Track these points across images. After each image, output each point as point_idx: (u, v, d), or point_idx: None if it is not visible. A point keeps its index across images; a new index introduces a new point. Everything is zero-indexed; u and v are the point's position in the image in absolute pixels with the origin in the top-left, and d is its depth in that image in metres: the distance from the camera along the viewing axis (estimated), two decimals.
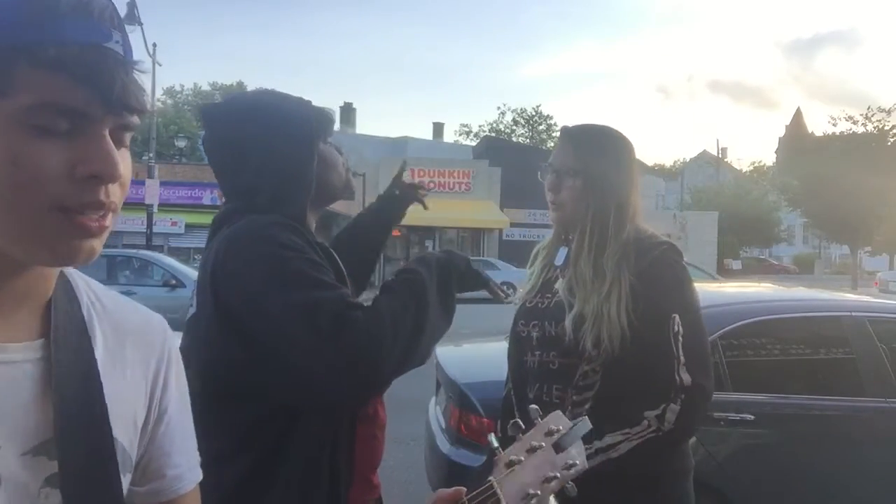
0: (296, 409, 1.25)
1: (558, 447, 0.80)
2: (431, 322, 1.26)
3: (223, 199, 1.48)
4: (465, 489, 0.74)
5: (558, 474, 0.79)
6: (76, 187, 0.63)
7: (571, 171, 1.69)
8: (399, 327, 1.20)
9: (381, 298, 1.26)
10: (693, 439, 3.00)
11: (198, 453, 0.88)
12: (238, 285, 1.22)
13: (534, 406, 0.81)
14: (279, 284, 1.19)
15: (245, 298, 1.22)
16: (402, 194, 1.89)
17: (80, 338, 0.72)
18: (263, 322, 1.19)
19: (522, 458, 0.76)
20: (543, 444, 0.79)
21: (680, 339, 1.55)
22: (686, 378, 1.53)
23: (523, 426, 0.79)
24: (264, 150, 1.35)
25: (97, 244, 0.67)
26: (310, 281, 1.19)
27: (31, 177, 0.61)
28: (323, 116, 1.43)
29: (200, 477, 0.87)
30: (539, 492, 0.77)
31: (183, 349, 1.36)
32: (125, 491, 0.75)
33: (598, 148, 1.70)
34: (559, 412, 0.83)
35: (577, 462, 0.82)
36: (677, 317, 1.56)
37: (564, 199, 1.71)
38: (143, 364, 0.79)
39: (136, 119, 0.66)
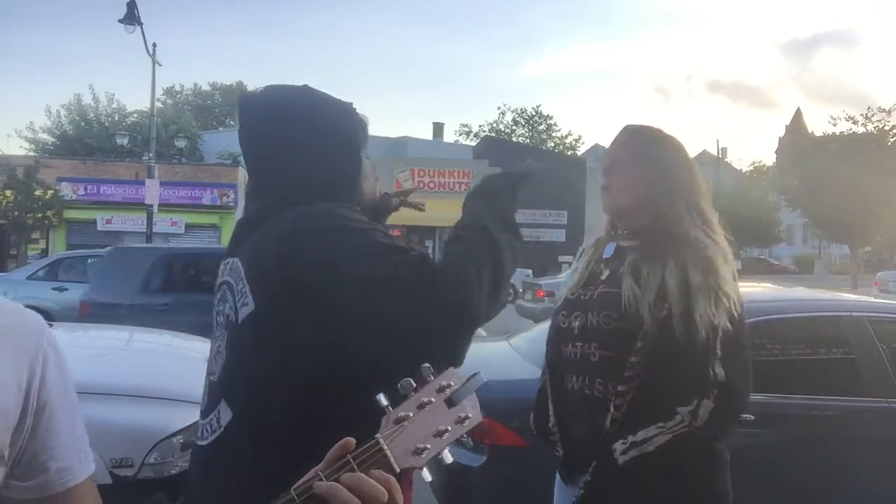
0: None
1: (450, 402, 0.80)
2: (506, 256, 1.26)
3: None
4: (353, 441, 0.74)
5: (450, 427, 0.80)
6: None
7: (629, 158, 1.72)
8: (480, 270, 1.20)
9: (450, 248, 1.26)
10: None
11: (89, 448, 0.89)
12: (327, 262, 1.19)
13: (426, 365, 0.81)
14: (373, 251, 1.19)
15: (339, 271, 1.18)
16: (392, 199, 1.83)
17: None
18: (365, 289, 1.17)
19: (412, 414, 0.77)
20: (434, 399, 0.79)
21: (720, 333, 1.56)
22: (720, 373, 1.55)
23: (414, 384, 0.79)
24: (315, 155, 1.34)
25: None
26: (394, 246, 1.21)
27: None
28: (364, 126, 1.44)
29: (92, 469, 0.88)
30: (429, 445, 0.78)
31: (249, 353, 1.27)
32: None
33: (659, 141, 1.74)
34: (453, 369, 0.83)
35: (471, 415, 0.82)
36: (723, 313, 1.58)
37: (615, 182, 1.73)
38: (14, 362, 0.79)
39: None
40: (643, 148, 1.73)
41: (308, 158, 1.34)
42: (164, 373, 3.74)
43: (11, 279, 11.58)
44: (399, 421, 0.77)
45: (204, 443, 1.32)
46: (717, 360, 1.55)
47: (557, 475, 1.87)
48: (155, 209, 18.52)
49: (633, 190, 1.70)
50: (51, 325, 4.78)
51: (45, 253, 21.78)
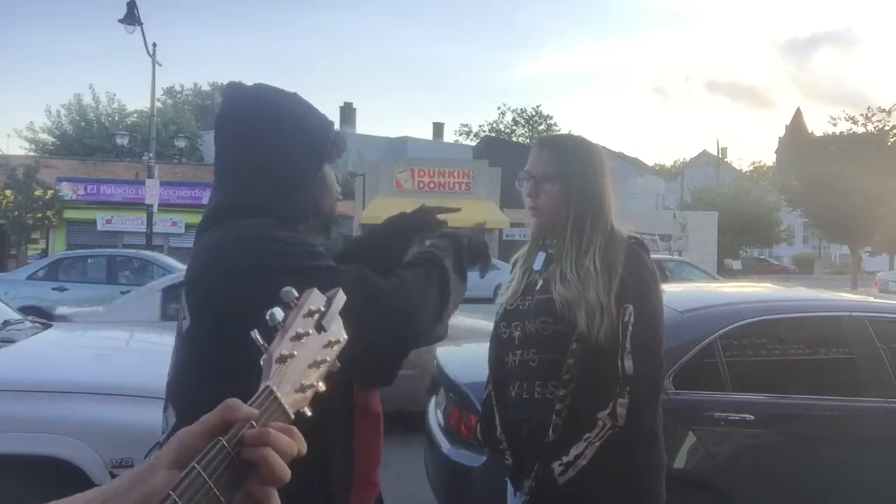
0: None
1: (320, 328, 0.77)
2: (452, 287, 1.34)
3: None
4: (237, 400, 0.66)
5: (327, 357, 0.77)
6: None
7: (550, 176, 1.78)
8: (425, 291, 1.28)
9: (404, 271, 1.31)
10: (695, 439, 3.00)
11: None
12: (249, 282, 1.20)
13: (287, 289, 0.76)
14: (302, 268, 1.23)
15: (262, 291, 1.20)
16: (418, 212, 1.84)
17: None
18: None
19: (295, 353, 0.72)
20: (310, 330, 0.75)
21: (630, 328, 1.63)
22: (629, 366, 1.61)
23: (283, 314, 0.74)
24: (275, 156, 1.34)
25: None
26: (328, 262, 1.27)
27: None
28: (339, 141, 1.44)
29: None
30: (312, 380, 0.74)
31: (184, 362, 1.33)
32: None
33: (573, 154, 1.80)
34: (316, 290, 0.79)
35: (341, 339, 0.80)
36: (631, 307, 1.64)
37: (542, 204, 1.80)
38: None
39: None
40: (558, 163, 1.79)
41: (265, 157, 1.34)
42: (164, 373, 3.74)
43: (11, 279, 11.56)
44: (282, 360, 0.71)
45: (160, 439, 1.42)
46: (627, 354, 1.62)
47: (508, 483, 1.91)
48: (155, 209, 18.52)
49: (556, 207, 1.79)
50: (51, 325, 4.73)
51: (45, 253, 21.78)
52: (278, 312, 0.74)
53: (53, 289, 10.96)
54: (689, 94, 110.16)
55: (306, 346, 0.74)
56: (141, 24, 17.52)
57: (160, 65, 19.24)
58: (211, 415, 0.66)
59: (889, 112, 25.57)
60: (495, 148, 31.91)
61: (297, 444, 0.67)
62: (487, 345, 1.99)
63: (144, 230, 18.85)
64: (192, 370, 1.31)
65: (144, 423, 2.96)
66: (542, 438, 1.68)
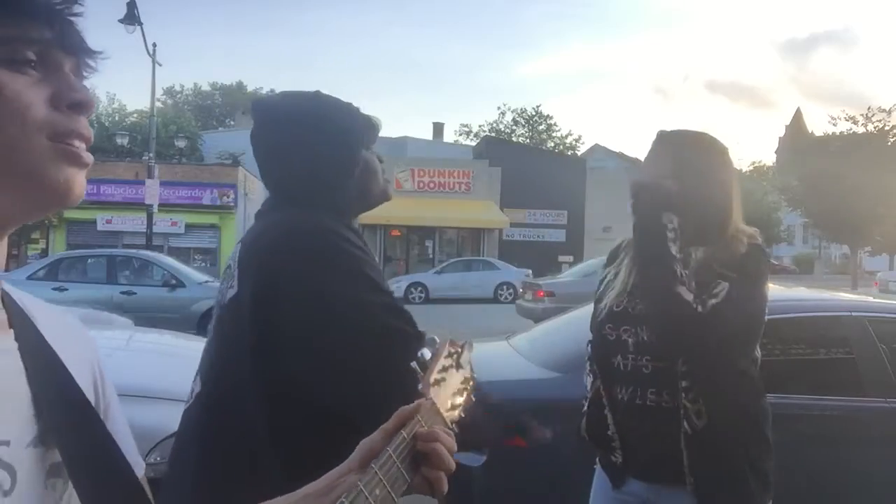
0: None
1: (459, 366, 0.97)
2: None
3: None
4: (408, 406, 0.82)
5: (467, 387, 0.97)
6: (61, 115, 0.65)
7: (668, 173, 1.71)
8: None
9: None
10: None
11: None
12: (299, 274, 1.26)
13: (431, 336, 0.96)
14: (352, 281, 1.27)
15: (310, 288, 1.25)
16: None
17: (32, 329, 0.71)
18: (333, 315, 1.24)
19: (446, 378, 0.91)
20: (452, 363, 0.95)
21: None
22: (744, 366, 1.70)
23: (429, 353, 0.92)
24: (309, 156, 1.40)
25: (84, 180, 0.68)
26: (372, 282, 1.30)
27: (17, 105, 0.62)
28: (370, 125, 1.51)
29: (144, 466, 0.89)
30: (458, 401, 0.94)
31: (221, 330, 1.34)
32: None
33: (688, 152, 1.74)
34: (451, 339, 0.98)
35: (474, 376, 1.00)
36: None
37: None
38: (81, 357, 0.78)
39: (92, 64, 0.70)
40: (672, 160, 1.73)
41: (302, 159, 1.40)
42: (164, 373, 3.75)
43: (11, 279, 11.41)
44: (436, 383, 0.89)
45: (185, 407, 1.41)
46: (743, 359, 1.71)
47: (597, 480, 1.91)
48: (155, 209, 18.50)
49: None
50: None
51: (45, 253, 21.77)
52: (426, 353, 0.93)
53: (53, 289, 10.94)
54: (688, 94, 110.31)
55: (451, 377, 0.94)
56: (141, 24, 17.50)
57: (160, 65, 19.25)
58: (388, 423, 0.79)
59: (889, 112, 25.58)
60: (495, 148, 31.89)
61: (454, 443, 0.81)
62: (487, 344, 1.99)
63: (144, 230, 18.82)
64: (231, 341, 1.32)
65: (144, 423, 2.96)
66: (658, 442, 1.71)
